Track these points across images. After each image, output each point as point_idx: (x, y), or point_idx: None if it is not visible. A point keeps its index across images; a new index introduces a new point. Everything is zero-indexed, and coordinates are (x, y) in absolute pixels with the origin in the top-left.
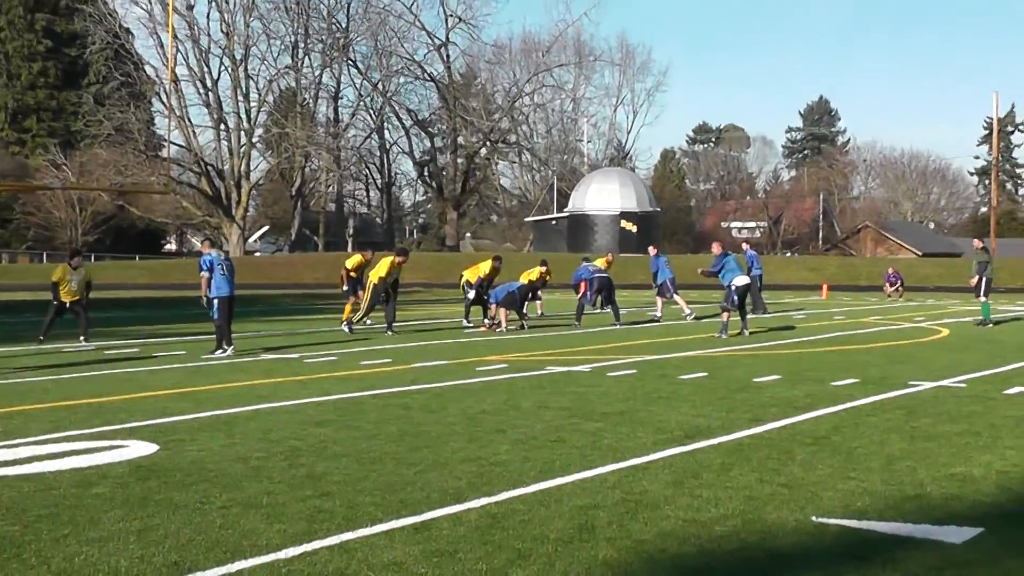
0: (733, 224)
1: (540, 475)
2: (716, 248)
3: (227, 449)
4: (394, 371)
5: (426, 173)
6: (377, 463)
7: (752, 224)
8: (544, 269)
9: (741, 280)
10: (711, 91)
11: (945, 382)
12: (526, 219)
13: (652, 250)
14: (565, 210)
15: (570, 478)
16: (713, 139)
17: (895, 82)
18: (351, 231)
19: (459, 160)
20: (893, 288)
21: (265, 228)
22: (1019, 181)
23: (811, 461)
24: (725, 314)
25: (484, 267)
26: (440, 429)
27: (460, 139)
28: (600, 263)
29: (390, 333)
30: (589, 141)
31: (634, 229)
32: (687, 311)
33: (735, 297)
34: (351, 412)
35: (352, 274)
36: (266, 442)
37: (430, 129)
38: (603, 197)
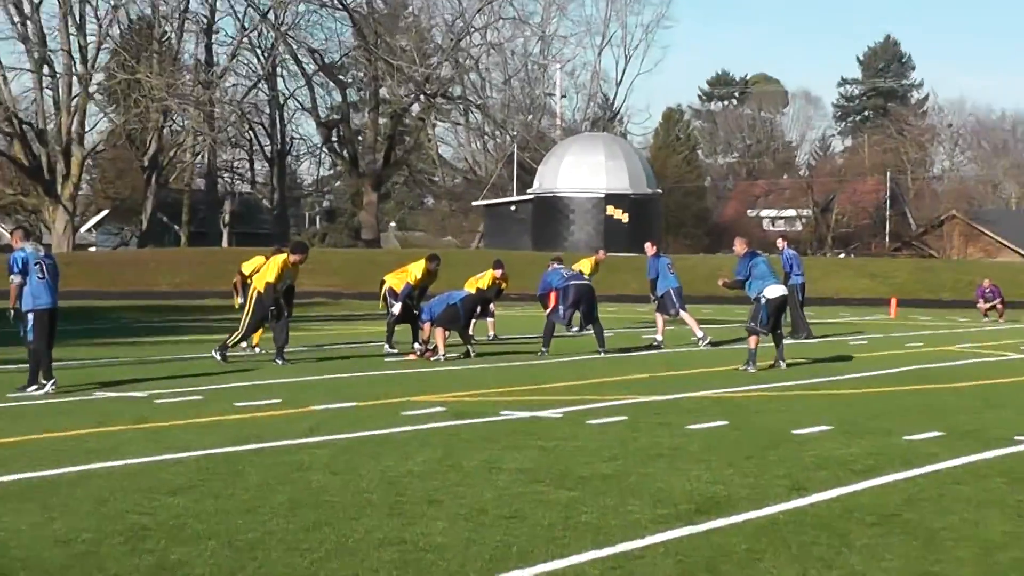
0: (764, 212)
1: (490, 566)
2: (739, 246)
3: (42, 528)
4: (285, 416)
5: (335, 138)
6: (258, 548)
7: (791, 213)
8: (499, 274)
9: (775, 290)
10: (733, 28)
11: None
12: (474, 203)
13: (650, 248)
14: (529, 191)
15: (533, 570)
16: (736, 94)
17: (992, 16)
18: (227, 218)
19: (381, 121)
20: (990, 306)
21: (104, 213)
22: None
23: (875, 549)
24: (753, 339)
25: (415, 270)
26: (349, 499)
27: (383, 91)
28: (582, 266)
29: (280, 362)
30: (563, 96)
31: (625, 218)
32: (698, 333)
33: (765, 315)
34: (222, 474)
35: (251, 281)
36: (99, 517)
37: (341, 77)
38: (582, 174)
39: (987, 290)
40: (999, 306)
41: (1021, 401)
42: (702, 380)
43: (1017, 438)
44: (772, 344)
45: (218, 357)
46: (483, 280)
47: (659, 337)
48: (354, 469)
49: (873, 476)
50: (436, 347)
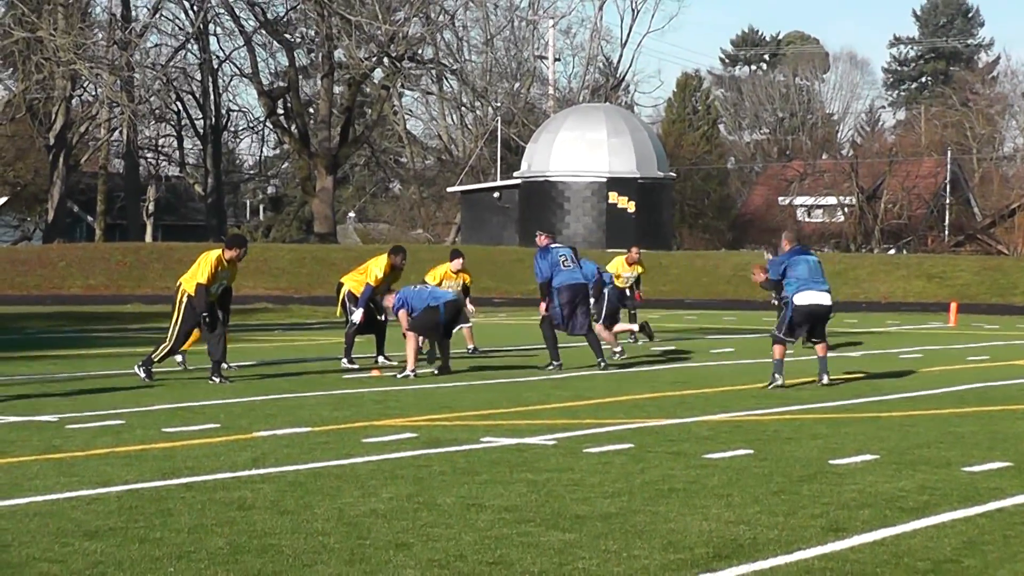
0: (799, 200)
1: None
2: (786, 243)
3: None
4: (223, 444)
5: (281, 111)
6: None
7: (831, 200)
8: (455, 266)
9: (809, 296)
10: None
11: None
12: (450, 189)
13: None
14: (515, 175)
15: None
16: (767, 57)
17: None
18: (151, 207)
19: (337, 89)
20: None
21: (1, 201)
22: None
23: None
24: (777, 348)
25: (375, 268)
26: (300, 543)
27: (339, 54)
28: (620, 265)
29: (216, 380)
30: (557, 59)
31: (631, 208)
32: (617, 348)
33: (790, 321)
34: (148, 514)
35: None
36: None
37: (287, 36)
38: (580, 153)
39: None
40: None
41: None
42: (722, 401)
43: None
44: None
45: (142, 374)
46: (433, 275)
47: (616, 349)
48: (307, 508)
49: (926, 515)
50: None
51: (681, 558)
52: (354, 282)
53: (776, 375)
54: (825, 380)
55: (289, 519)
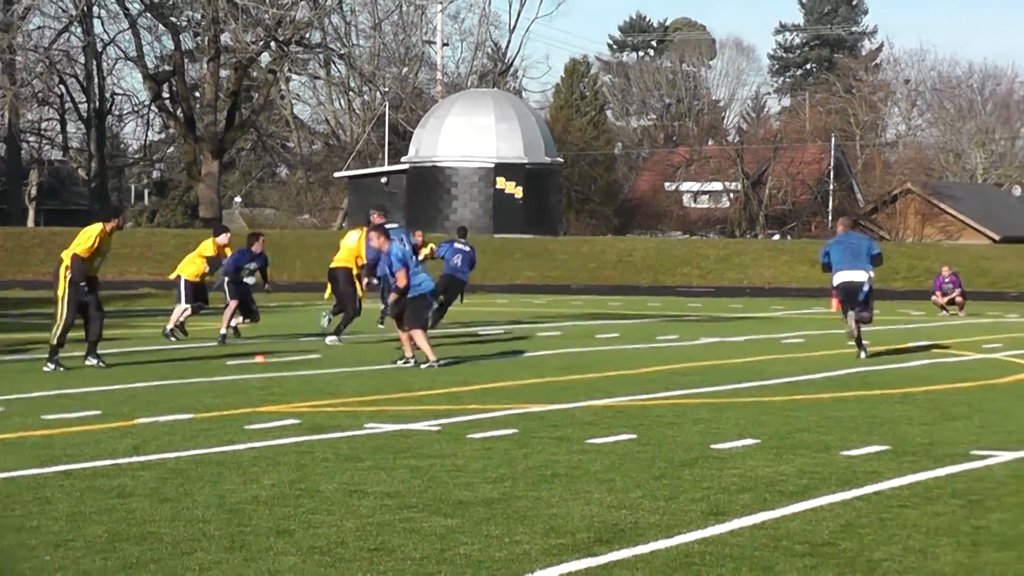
0: (685, 186)
1: None
2: (841, 226)
3: None
4: (104, 431)
5: (166, 95)
6: None
7: (716, 186)
8: (221, 240)
9: (840, 276)
10: None
11: None
12: (337, 174)
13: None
14: (403, 160)
15: None
16: (654, 43)
17: None
18: (34, 192)
19: (223, 73)
20: (948, 299)
21: None
22: None
23: None
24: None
25: (205, 250)
26: (180, 530)
27: (225, 38)
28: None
29: (93, 362)
30: (445, 44)
31: (519, 193)
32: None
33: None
34: (25, 502)
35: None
36: None
37: (173, 20)
38: (467, 139)
39: (945, 280)
40: (959, 299)
41: (981, 409)
42: (606, 386)
43: (974, 453)
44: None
45: (51, 367)
46: (204, 250)
47: (407, 353)
48: (187, 495)
49: (805, 498)
50: (421, 354)
51: (563, 543)
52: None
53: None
54: (863, 355)
55: (169, 506)
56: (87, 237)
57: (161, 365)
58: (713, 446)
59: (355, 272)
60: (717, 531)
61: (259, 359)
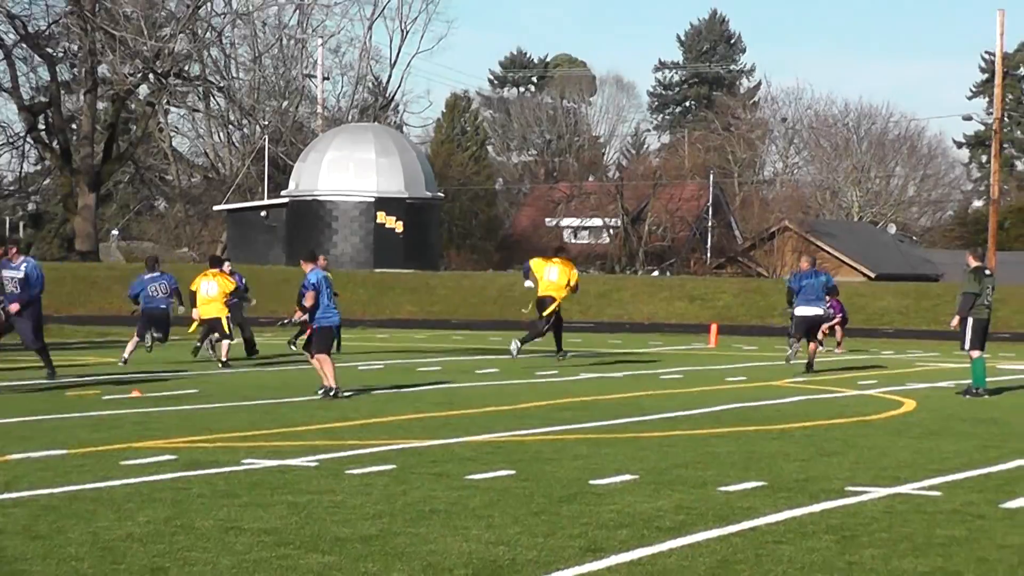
0: (565, 222)
1: None
2: (804, 263)
3: None
4: None
5: (42, 126)
6: None
7: (596, 222)
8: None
9: (802, 310)
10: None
11: (906, 488)
12: (216, 207)
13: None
14: (283, 193)
15: None
16: (535, 79)
17: None
18: None
19: (100, 105)
20: (827, 327)
21: None
22: None
23: None
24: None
25: None
26: (53, 569)
27: (103, 69)
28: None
29: None
30: (326, 78)
31: (399, 228)
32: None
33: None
34: None
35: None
36: None
37: (49, 51)
38: (348, 173)
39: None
40: (838, 328)
41: (855, 446)
42: (485, 422)
43: (849, 489)
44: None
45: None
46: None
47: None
48: (60, 532)
49: (682, 534)
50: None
51: None
52: None
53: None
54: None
55: (41, 544)
56: None
57: (34, 399)
58: (592, 482)
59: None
60: (595, 567)
61: (135, 393)
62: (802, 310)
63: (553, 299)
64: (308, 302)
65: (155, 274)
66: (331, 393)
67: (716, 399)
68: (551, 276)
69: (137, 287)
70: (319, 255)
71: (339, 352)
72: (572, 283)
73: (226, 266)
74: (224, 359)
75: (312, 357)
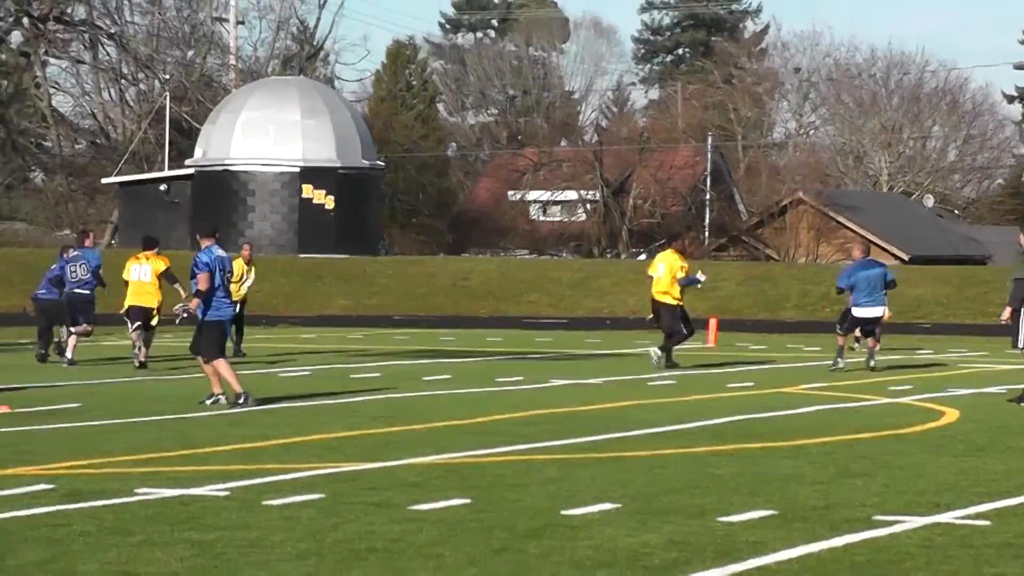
0: (533, 195)
1: None
2: (857, 251)
3: None
4: None
5: None
6: None
7: (571, 195)
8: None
9: (862, 311)
10: None
11: (947, 516)
12: (106, 180)
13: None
14: (188, 163)
15: None
16: (495, 23)
17: None
18: None
19: None
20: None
21: None
22: None
23: None
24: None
25: None
26: None
27: None
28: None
29: None
30: (240, 22)
31: (330, 204)
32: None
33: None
34: None
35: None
36: None
37: None
38: (268, 138)
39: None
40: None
41: (885, 465)
42: (434, 439)
43: (878, 518)
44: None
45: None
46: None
47: (215, 389)
48: None
49: (675, 574)
50: (228, 387)
51: None
52: None
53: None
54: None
55: None
56: None
57: None
58: (565, 512)
59: None
60: None
61: (3, 409)
62: (862, 311)
63: (659, 303)
64: (201, 286)
65: (74, 252)
66: (239, 400)
67: (717, 410)
68: (658, 272)
69: (56, 271)
70: (245, 243)
71: (240, 356)
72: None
73: (88, 241)
74: (71, 356)
75: (204, 362)
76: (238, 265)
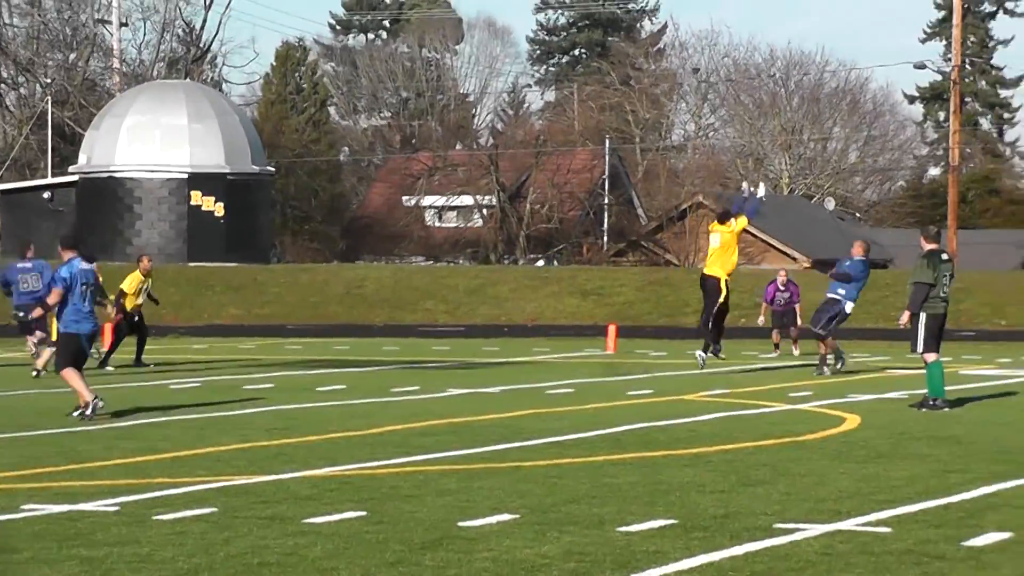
0: (428, 200)
1: None
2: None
3: None
4: None
5: None
6: None
7: (467, 201)
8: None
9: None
10: None
11: (848, 523)
12: None
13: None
14: (72, 169)
15: None
16: (387, 24)
17: None
18: None
19: None
20: (779, 307)
21: None
22: (1004, 111)
23: None
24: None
25: None
26: None
27: None
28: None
29: None
30: (124, 24)
31: (219, 210)
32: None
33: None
34: None
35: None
36: None
37: None
38: (155, 143)
39: (781, 290)
40: (794, 322)
41: (786, 473)
42: (328, 451)
43: (779, 526)
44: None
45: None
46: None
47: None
48: None
49: None
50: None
51: None
52: None
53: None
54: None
55: None
56: None
57: None
58: (461, 523)
59: None
60: None
61: None
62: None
63: (716, 279)
64: (51, 300)
65: (26, 264)
66: (88, 411)
67: (615, 418)
68: (713, 243)
69: (9, 274)
70: (144, 255)
71: (143, 366)
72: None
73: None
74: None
75: (58, 372)
76: (134, 278)
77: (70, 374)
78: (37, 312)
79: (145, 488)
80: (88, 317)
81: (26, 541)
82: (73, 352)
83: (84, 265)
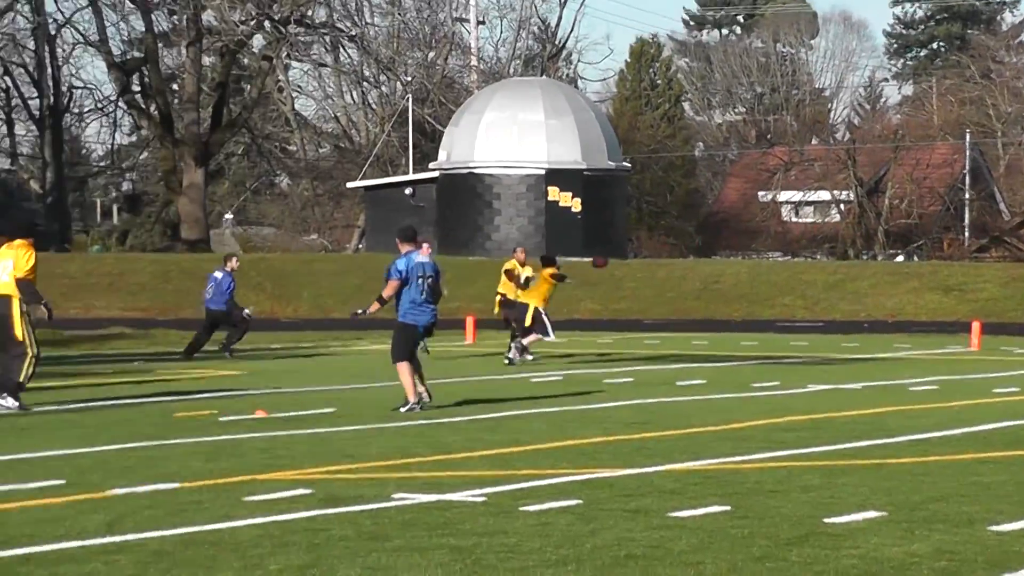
0: (784, 195)
1: None
2: None
3: None
4: (70, 504)
5: (137, 88)
6: None
7: (824, 196)
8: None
9: None
10: None
11: None
12: (351, 184)
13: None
14: (432, 166)
15: None
16: (741, 19)
17: None
18: None
19: (207, 61)
20: None
21: None
22: None
23: None
24: None
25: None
26: None
27: (209, 16)
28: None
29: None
30: (481, 22)
31: (576, 206)
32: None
33: None
34: None
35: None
36: None
37: None
38: (511, 139)
39: None
40: None
41: None
42: (690, 445)
43: None
44: None
45: (11, 403)
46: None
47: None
48: None
49: None
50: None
51: None
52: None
53: None
54: None
55: None
56: (30, 256)
57: (140, 423)
58: (827, 520)
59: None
60: None
61: (260, 414)
62: None
63: None
64: (386, 293)
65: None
66: (405, 409)
67: (982, 416)
68: None
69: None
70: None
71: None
72: None
73: (234, 261)
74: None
75: (393, 363)
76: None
77: (403, 368)
78: (374, 307)
79: (510, 479)
80: (425, 310)
81: (397, 529)
82: (409, 344)
83: (423, 258)
